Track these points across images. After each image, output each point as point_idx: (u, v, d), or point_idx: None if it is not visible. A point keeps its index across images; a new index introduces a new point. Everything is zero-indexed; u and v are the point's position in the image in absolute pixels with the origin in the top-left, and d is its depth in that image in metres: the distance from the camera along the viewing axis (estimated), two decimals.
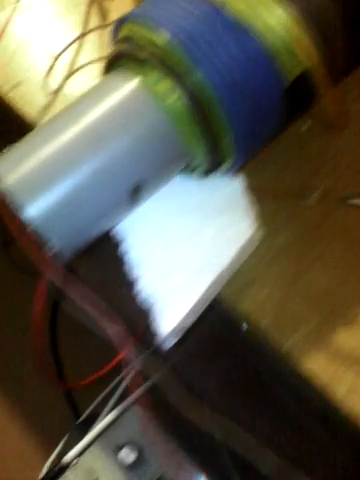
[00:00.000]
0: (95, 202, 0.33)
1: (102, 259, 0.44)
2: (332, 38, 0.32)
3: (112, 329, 0.37)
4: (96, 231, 0.36)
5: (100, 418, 0.69)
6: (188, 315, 0.39)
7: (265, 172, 0.44)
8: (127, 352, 0.39)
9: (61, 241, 0.32)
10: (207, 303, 0.40)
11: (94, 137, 0.32)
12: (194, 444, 0.63)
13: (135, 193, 0.33)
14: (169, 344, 0.40)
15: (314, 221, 0.42)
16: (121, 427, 0.78)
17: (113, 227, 0.38)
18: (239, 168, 0.39)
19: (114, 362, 0.46)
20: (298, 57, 0.30)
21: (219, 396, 0.53)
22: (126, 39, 0.33)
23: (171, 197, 0.40)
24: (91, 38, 0.54)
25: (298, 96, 0.33)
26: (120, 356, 0.43)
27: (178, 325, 0.38)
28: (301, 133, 0.44)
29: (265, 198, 0.42)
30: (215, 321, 0.44)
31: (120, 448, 0.66)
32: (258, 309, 0.40)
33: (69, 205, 0.32)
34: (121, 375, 0.66)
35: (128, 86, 0.33)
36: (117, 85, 0.33)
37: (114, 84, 0.34)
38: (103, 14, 0.56)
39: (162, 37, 0.30)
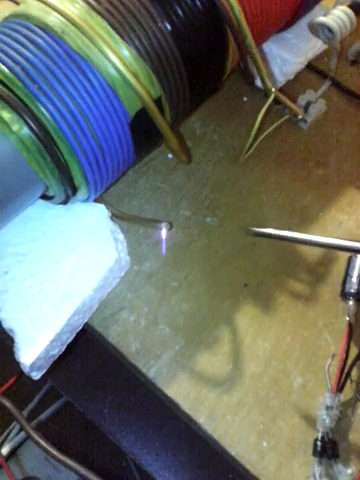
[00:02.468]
0: None
1: None
2: (173, 75, 0.34)
3: None
4: None
5: None
6: (53, 345, 0.38)
7: (131, 201, 0.45)
8: None
9: None
10: (75, 332, 0.40)
11: None
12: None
13: None
14: (37, 375, 0.39)
15: (179, 246, 0.43)
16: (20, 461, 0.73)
17: None
18: (99, 196, 0.39)
19: None
20: (137, 93, 0.31)
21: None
22: None
23: (35, 223, 0.40)
24: None
25: (144, 130, 0.34)
26: None
27: (43, 355, 0.37)
28: (167, 162, 0.46)
29: (130, 226, 0.43)
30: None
31: None
32: (126, 336, 0.41)
33: None
34: None
35: None
36: None
37: None
38: None
39: (1, 70, 0.30)
